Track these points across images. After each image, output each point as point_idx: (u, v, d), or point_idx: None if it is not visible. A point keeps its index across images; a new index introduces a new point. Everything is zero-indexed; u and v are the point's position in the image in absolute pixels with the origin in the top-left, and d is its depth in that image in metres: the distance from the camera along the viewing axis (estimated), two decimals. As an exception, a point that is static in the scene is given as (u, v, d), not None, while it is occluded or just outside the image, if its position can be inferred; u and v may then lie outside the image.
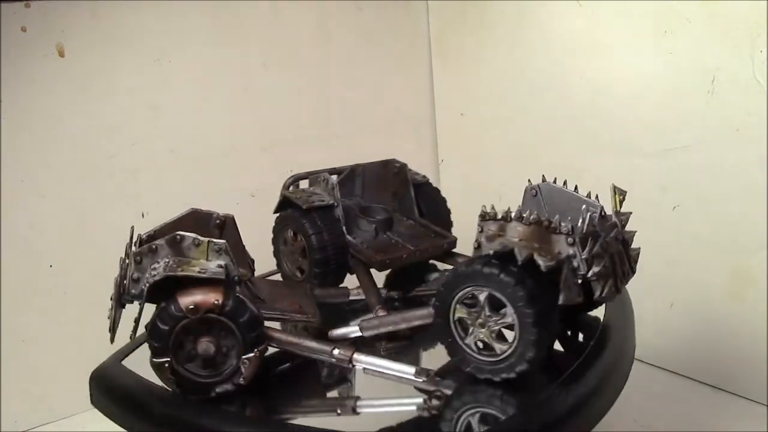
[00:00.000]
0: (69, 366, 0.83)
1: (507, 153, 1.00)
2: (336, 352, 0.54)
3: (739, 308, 0.78)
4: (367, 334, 0.57)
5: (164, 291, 0.48)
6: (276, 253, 0.70)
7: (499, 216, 0.51)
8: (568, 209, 0.55)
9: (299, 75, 1.00)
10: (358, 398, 0.53)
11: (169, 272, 0.48)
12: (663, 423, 0.75)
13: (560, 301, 0.48)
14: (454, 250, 0.69)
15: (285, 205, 0.68)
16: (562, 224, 0.49)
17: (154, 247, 0.50)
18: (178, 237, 0.50)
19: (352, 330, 0.57)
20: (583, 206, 0.54)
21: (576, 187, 0.57)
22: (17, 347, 0.80)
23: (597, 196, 0.56)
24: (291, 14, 0.98)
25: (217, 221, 0.59)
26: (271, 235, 0.70)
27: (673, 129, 0.80)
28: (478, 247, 0.51)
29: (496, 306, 0.49)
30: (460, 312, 0.50)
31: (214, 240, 0.51)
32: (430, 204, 0.73)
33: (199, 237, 0.50)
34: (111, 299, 0.52)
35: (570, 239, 0.49)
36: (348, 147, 1.04)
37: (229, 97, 0.93)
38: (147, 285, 0.48)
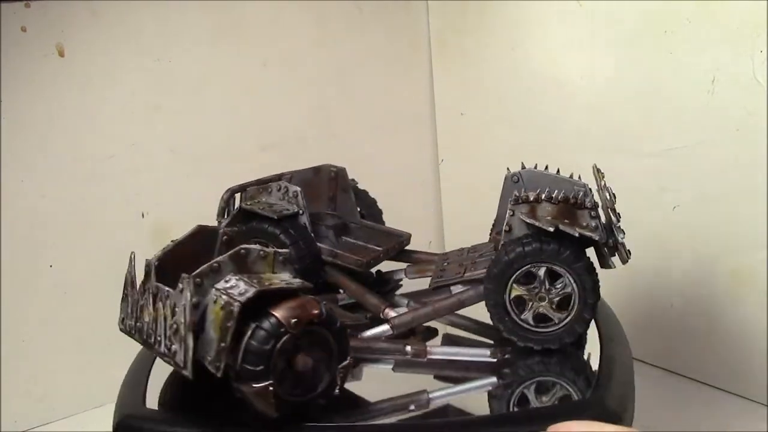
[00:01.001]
0: (69, 366, 0.83)
1: (507, 153, 1.00)
2: (409, 348, 0.56)
3: (739, 308, 0.78)
4: (398, 331, 0.58)
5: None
6: None
7: (531, 198, 0.54)
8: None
9: (299, 75, 1.00)
10: (426, 391, 0.53)
11: (261, 287, 0.44)
12: (663, 423, 0.75)
13: (603, 267, 0.56)
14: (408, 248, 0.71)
15: (240, 218, 0.64)
16: (587, 200, 0.54)
17: (216, 265, 0.46)
18: (243, 251, 0.47)
19: (383, 329, 0.58)
20: (574, 186, 0.59)
21: (558, 170, 0.60)
22: (17, 347, 0.80)
23: (579, 176, 0.59)
24: (291, 14, 0.98)
25: (224, 237, 0.56)
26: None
27: (673, 129, 0.80)
28: (510, 230, 0.55)
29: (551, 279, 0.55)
30: (517, 290, 0.54)
31: (278, 250, 0.48)
32: (365, 206, 0.73)
33: (264, 248, 0.48)
34: (170, 330, 0.46)
35: (593, 213, 0.54)
36: (348, 147, 1.04)
37: (229, 97, 0.93)
38: (238, 305, 0.43)
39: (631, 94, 0.84)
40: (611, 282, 0.58)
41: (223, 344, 0.43)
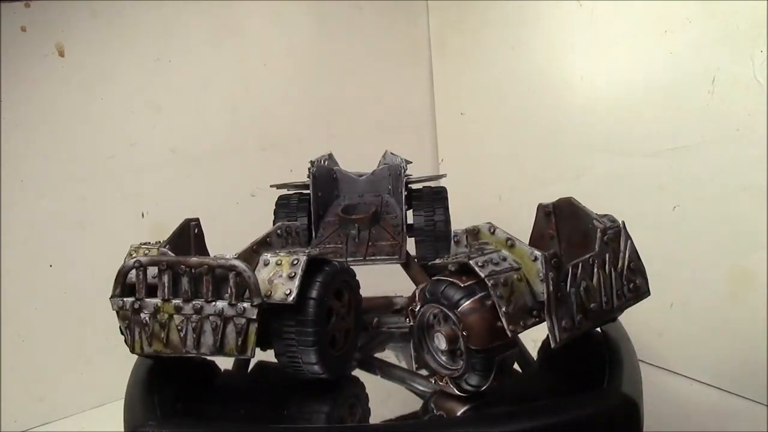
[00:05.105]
0: (69, 366, 0.83)
1: (507, 153, 1.00)
2: None
3: (739, 308, 0.78)
4: None
5: None
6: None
7: None
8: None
9: (299, 75, 1.00)
10: None
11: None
12: (663, 423, 0.75)
13: None
14: None
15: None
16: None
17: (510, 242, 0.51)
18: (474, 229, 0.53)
19: None
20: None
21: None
22: (17, 346, 0.80)
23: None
24: (291, 14, 0.98)
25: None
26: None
27: (673, 129, 0.80)
28: None
29: None
30: None
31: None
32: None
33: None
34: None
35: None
36: (348, 147, 1.03)
37: (229, 97, 0.93)
38: (540, 253, 0.48)
39: (630, 94, 0.84)
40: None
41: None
